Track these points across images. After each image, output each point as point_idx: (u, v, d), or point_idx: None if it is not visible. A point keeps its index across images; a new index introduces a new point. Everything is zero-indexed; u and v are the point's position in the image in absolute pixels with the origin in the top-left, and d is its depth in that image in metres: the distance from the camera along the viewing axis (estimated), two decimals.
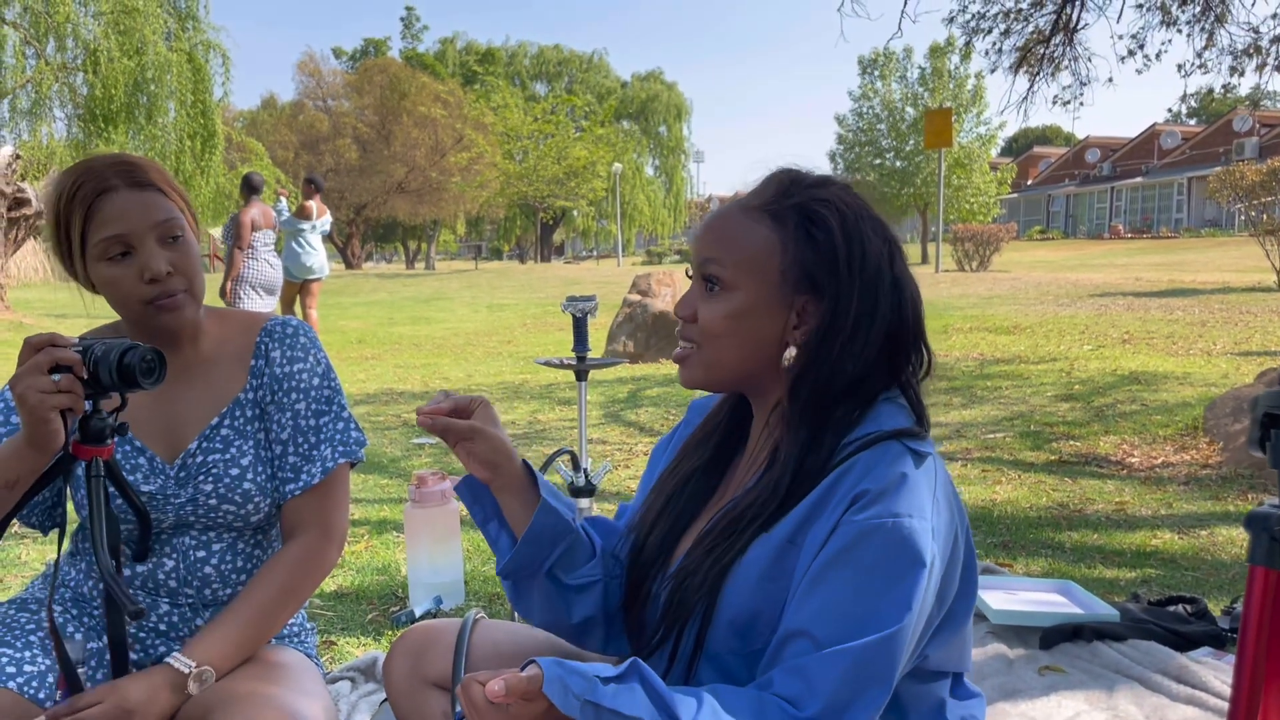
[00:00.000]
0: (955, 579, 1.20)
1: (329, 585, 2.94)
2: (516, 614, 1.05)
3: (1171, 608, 2.48)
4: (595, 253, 56.93)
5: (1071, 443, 5.00)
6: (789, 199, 1.26)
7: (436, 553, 2.64)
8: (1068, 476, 4.31)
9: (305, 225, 9.38)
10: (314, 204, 9.48)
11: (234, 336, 1.82)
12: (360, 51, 55.84)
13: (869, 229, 1.24)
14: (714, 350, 1.26)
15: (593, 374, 5.73)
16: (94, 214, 1.63)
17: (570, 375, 8.57)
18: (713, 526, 1.26)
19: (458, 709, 1.21)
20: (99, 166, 1.68)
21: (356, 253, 40.33)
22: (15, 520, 1.64)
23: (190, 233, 1.71)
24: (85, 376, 1.48)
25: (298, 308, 9.57)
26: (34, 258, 25.05)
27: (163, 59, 17.67)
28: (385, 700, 1.92)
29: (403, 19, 60.66)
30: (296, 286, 9.43)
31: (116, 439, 1.57)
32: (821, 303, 1.23)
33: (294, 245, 9.39)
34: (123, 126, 17.59)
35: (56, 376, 1.45)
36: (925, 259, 25.14)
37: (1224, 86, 8.38)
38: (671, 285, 10.20)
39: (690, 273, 1.32)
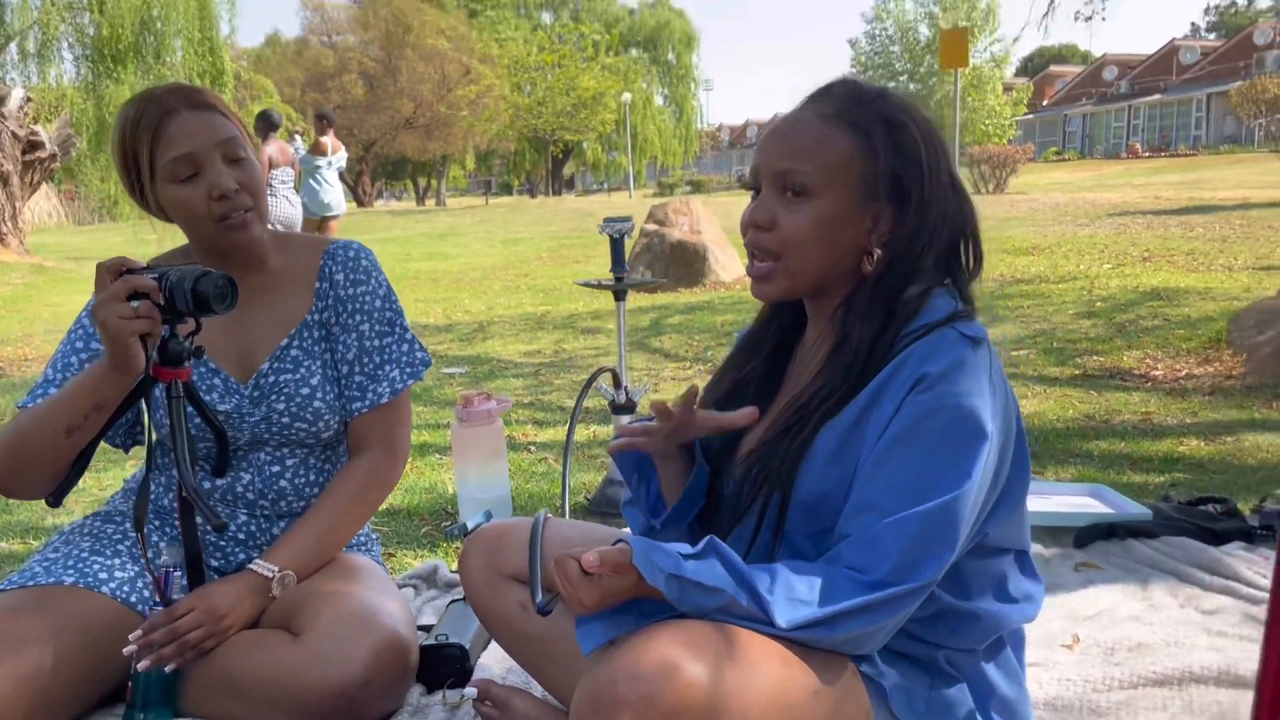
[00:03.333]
0: (1009, 458, 1.27)
1: (381, 504, 3.04)
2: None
3: (1202, 507, 2.55)
4: (606, 185, 56.49)
5: (1095, 358, 5.05)
6: (866, 106, 1.30)
7: (484, 470, 2.72)
8: (1093, 390, 4.37)
9: (321, 161, 9.37)
10: (328, 139, 9.47)
11: (299, 259, 1.88)
12: None
13: (937, 135, 1.31)
14: (798, 259, 1.30)
15: None
16: (160, 136, 1.68)
17: (591, 305, 8.63)
18: (781, 417, 1.33)
19: (538, 598, 1.29)
20: (159, 94, 1.73)
21: (367, 190, 40.17)
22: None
23: (252, 154, 1.77)
24: (162, 303, 1.54)
25: None
26: (48, 202, 25.03)
27: None
28: (452, 602, 2.01)
29: None
30: (315, 224, 9.46)
31: (193, 361, 1.64)
32: (902, 207, 1.29)
33: (311, 182, 9.40)
34: (131, 66, 17.45)
35: (135, 303, 1.51)
36: None
37: None
38: (689, 214, 10.17)
39: (753, 183, 1.36)
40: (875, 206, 1.30)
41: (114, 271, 1.54)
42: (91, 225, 30.27)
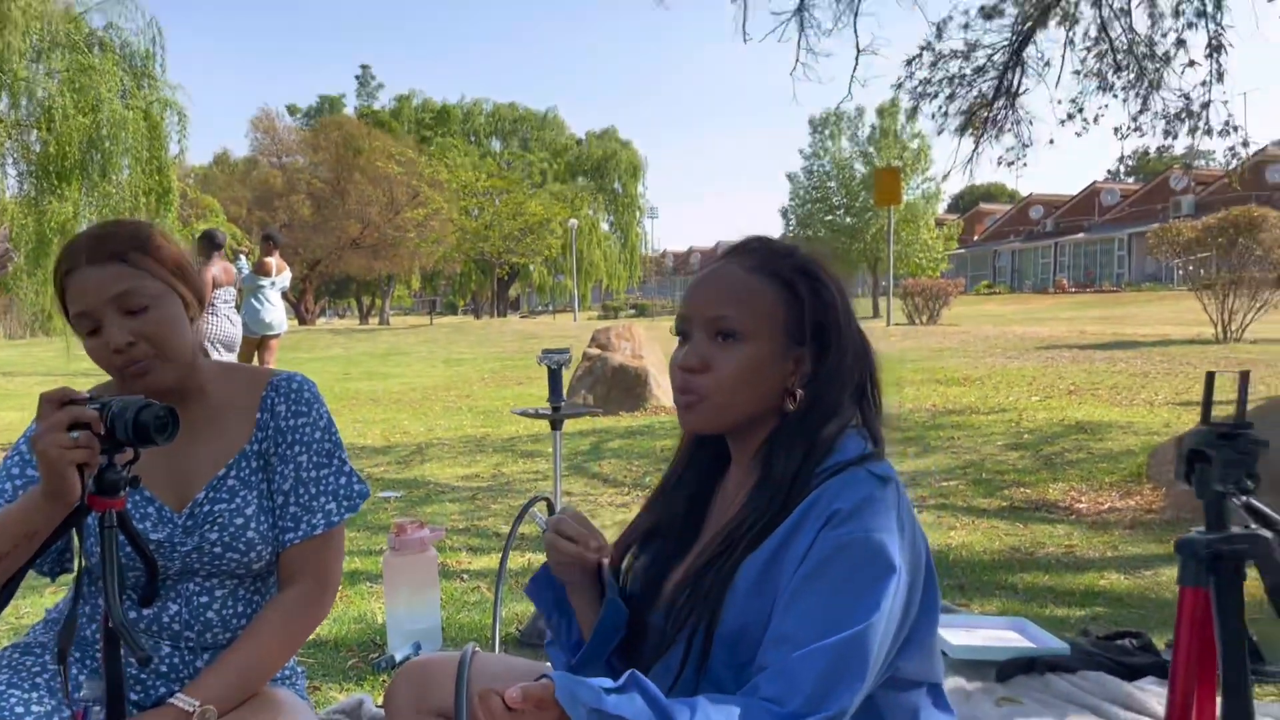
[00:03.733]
0: (919, 593, 1.33)
1: (309, 636, 2.99)
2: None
3: (1118, 642, 2.62)
4: (551, 307, 57.11)
5: (1022, 489, 5.18)
6: (785, 260, 1.42)
7: (415, 599, 2.71)
8: (1019, 521, 4.48)
9: (265, 281, 9.42)
10: (273, 260, 9.53)
11: (240, 390, 1.90)
12: (315, 109, 56.05)
13: (846, 287, 1.43)
14: (726, 399, 1.39)
15: None
16: (66, 293, 1.71)
17: (530, 429, 8.66)
18: (707, 550, 1.38)
19: None
20: (74, 244, 1.72)
21: (310, 308, 40.15)
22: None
23: (165, 300, 1.73)
24: (102, 433, 1.56)
25: (255, 364, 9.57)
26: None
27: (118, 116, 17.63)
28: None
29: (358, 77, 61.20)
30: (255, 342, 9.44)
31: (129, 491, 1.65)
32: (822, 351, 1.40)
33: (253, 301, 9.42)
34: (76, 183, 17.47)
35: (75, 434, 1.53)
36: (876, 313, 25.60)
37: (1159, 149, 8.78)
38: (631, 339, 10.34)
39: (681, 329, 1.45)
40: (797, 351, 1.40)
41: (56, 402, 1.56)
42: (24, 340, 29.76)
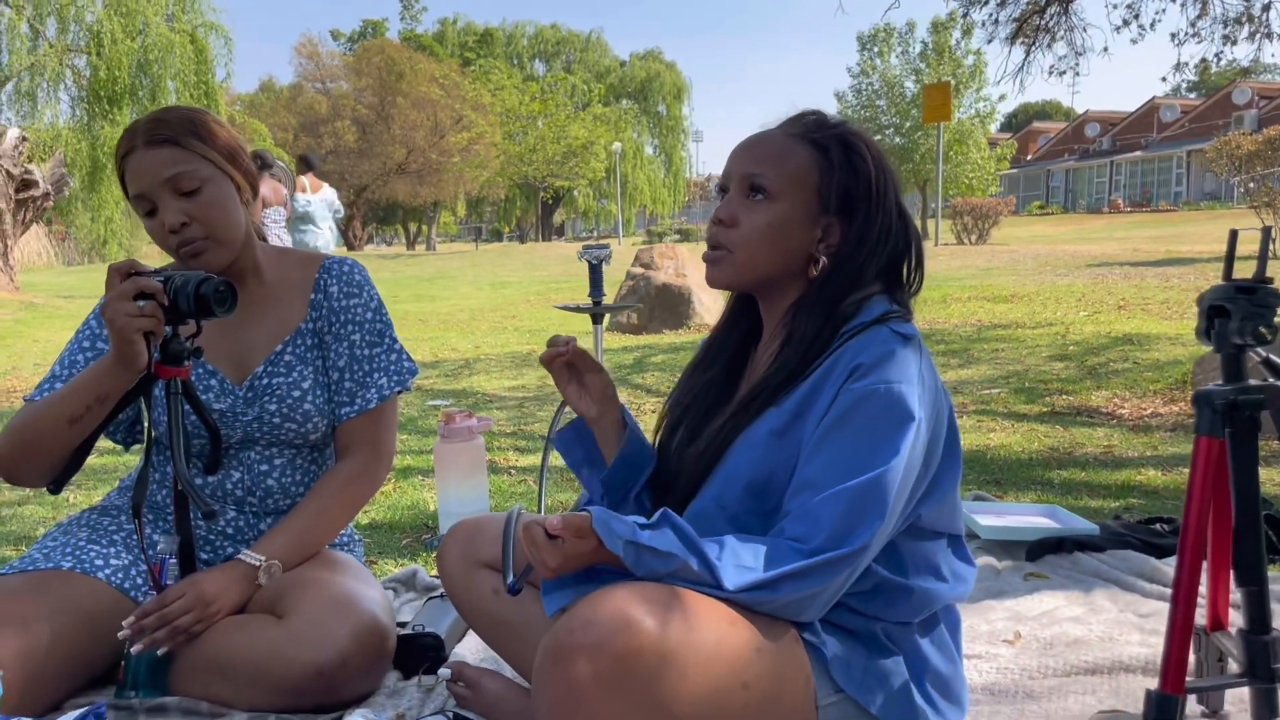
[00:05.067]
0: (940, 445, 1.39)
1: (364, 518, 3.14)
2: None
3: (1151, 526, 2.67)
4: (596, 233, 57.01)
5: (1064, 397, 5.18)
6: (828, 129, 1.46)
7: (464, 485, 2.83)
8: (1059, 425, 4.50)
9: (301, 200, 9.49)
10: (307, 179, 9.59)
11: (294, 272, 1.99)
12: (358, 34, 55.84)
13: (888, 164, 1.47)
14: (748, 254, 1.45)
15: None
16: (125, 175, 1.79)
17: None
18: (733, 407, 1.46)
19: (509, 578, 1.39)
20: (135, 127, 1.80)
21: (358, 234, 40.45)
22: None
23: (218, 183, 1.80)
24: (166, 304, 1.65)
25: None
26: (38, 242, 25.12)
27: (165, 40, 17.77)
28: (429, 599, 2.11)
29: (401, 0, 60.50)
30: None
31: (192, 361, 1.75)
32: (849, 222, 1.44)
33: (300, 227, 9.53)
34: (126, 108, 17.69)
35: (141, 303, 1.63)
36: (925, 234, 25.23)
37: (1216, 54, 8.52)
38: (674, 258, 10.35)
39: (723, 185, 1.51)
40: (826, 219, 1.45)
41: (123, 273, 1.65)
42: (81, 265, 30.37)
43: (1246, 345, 1.36)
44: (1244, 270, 1.41)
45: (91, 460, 2.15)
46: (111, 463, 4.21)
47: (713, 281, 1.50)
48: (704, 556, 1.26)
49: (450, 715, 1.69)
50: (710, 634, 1.23)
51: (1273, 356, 1.41)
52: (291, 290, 1.98)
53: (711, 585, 1.26)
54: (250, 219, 1.92)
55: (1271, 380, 1.38)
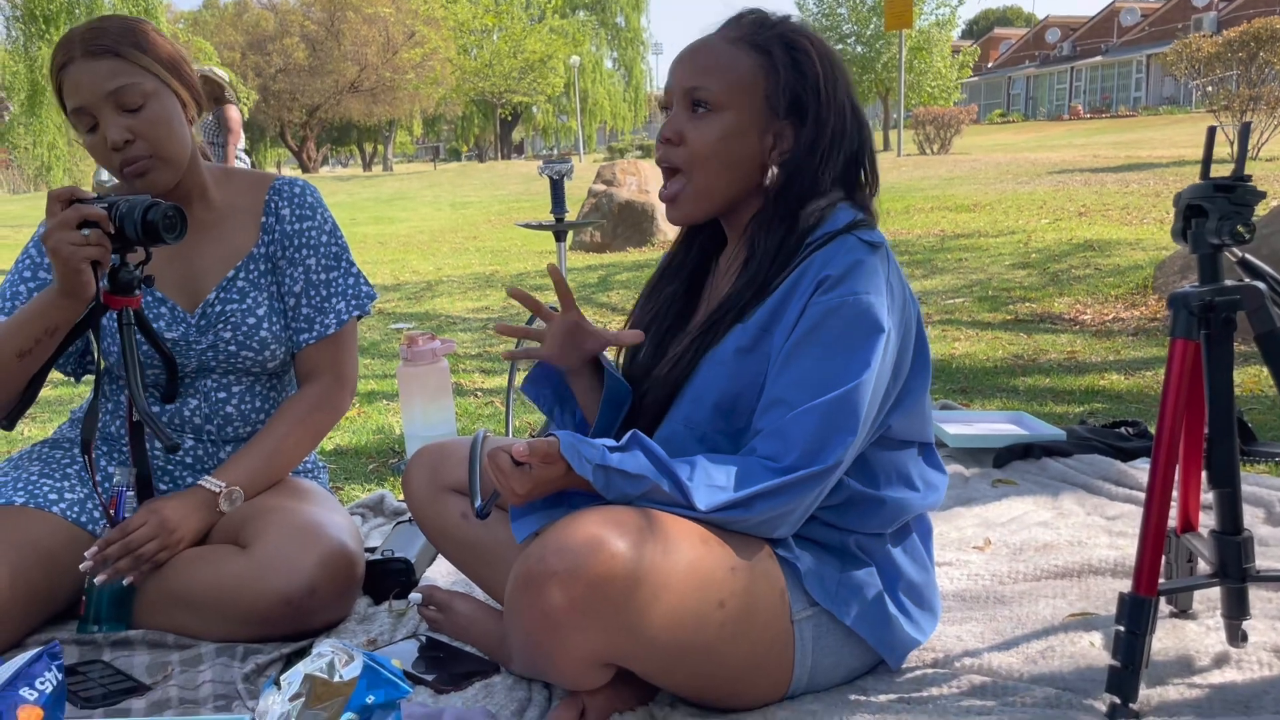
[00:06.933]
0: (909, 354, 1.36)
1: (329, 444, 3.09)
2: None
3: (1116, 430, 2.68)
4: (556, 150, 56.09)
5: (1027, 304, 5.20)
6: (769, 30, 1.38)
7: (430, 408, 2.78)
8: (1023, 333, 4.52)
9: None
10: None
11: (244, 194, 1.91)
12: None
13: (836, 59, 1.39)
14: (703, 176, 1.38)
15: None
16: (62, 87, 1.69)
17: (539, 264, 8.66)
18: (696, 327, 1.41)
19: (477, 502, 1.36)
20: (70, 36, 1.69)
21: (312, 156, 39.57)
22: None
23: (162, 97, 1.71)
24: (112, 231, 1.57)
25: None
26: None
27: None
28: (397, 524, 2.08)
29: None
30: None
31: (143, 290, 1.68)
32: (800, 125, 1.37)
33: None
34: (64, 27, 16.97)
35: (85, 231, 1.55)
36: (887, 145, 25.08)
37: None
38: (636, 174, 10.21)
39: (668, 103, 1.43)
40: (776, 125, 1.38)
41: (64, 200, 1.57)
42: (28, 194, 29.55)
43: (1224, 245, 1.33)
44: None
45: (44, 392, 2.08)
46: (65, 394, 4.12)
47: (675, 220, 1.44)
48: (675, 478, 1.24)
49: (422, 639, 1.68)
50: (684, 555, 1.21)
51: (1250, 256, 1.39)
52: (241, 213, 1.90)
53: (684, 506, 1.24)
54: (195, 136, 1.83)
55: (1248, 280, 1.36)
